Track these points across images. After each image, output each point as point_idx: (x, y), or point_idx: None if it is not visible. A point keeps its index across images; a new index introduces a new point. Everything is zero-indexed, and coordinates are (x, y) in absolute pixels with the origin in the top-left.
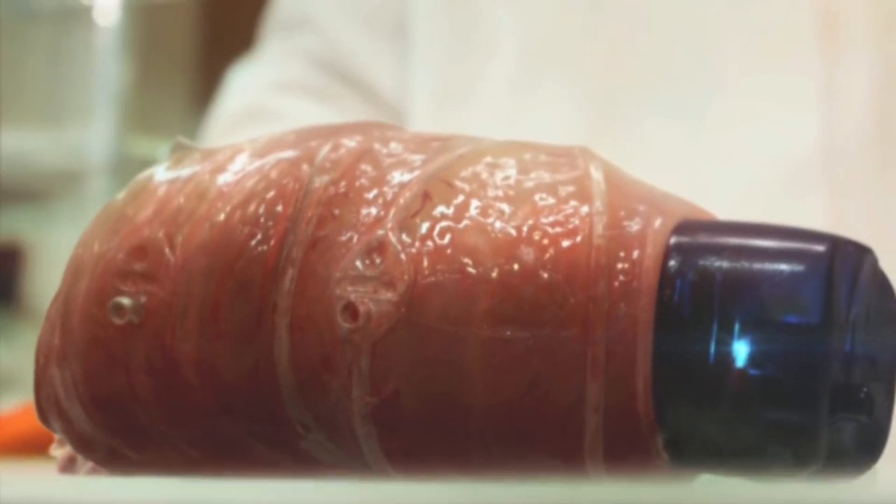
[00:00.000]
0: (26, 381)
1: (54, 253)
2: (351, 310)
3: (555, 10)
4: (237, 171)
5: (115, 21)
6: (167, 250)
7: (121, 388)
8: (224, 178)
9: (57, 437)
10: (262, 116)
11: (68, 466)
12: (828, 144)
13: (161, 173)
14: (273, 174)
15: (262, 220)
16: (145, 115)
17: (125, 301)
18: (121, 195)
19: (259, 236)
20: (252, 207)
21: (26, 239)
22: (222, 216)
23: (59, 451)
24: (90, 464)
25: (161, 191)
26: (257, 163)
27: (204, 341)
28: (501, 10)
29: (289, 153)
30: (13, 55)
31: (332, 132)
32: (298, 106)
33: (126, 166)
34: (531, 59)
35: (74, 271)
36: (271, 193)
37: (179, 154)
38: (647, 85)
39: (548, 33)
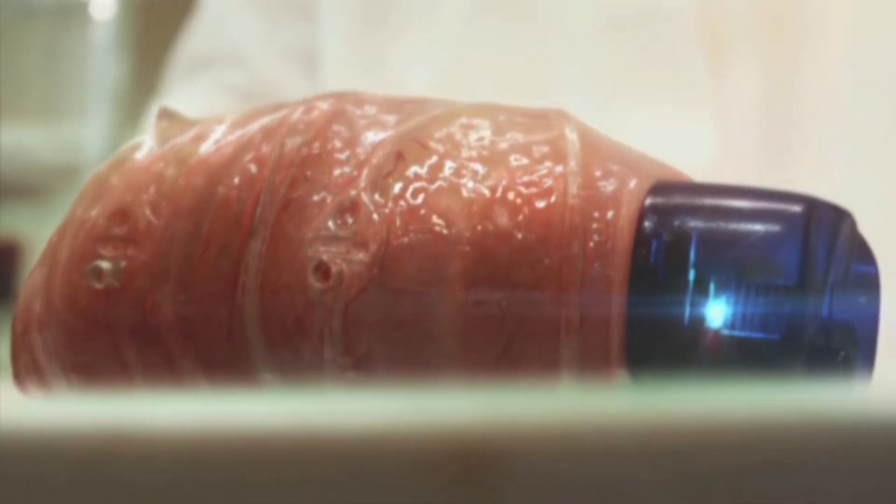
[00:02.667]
0: None
1: None
2: (322, 269)
3: (465, 51)
4: (218, 139)
5: (112, 16)
6: (148, 213)
7: (102, 352)
8: (205, 146)
9: None
10: (230, 62)
11: None
12: (723, 156)
13: (145, 143)
14: (251, 140)
15: (238, 183)
16: (142, 110)
17: (105, 265)
18: (105, 165)
19: (236, 199)
20: (230, 171)
21: (24, 235)
22: (202, 180)
23: None
24: None
25: (143, 160)
26: (238, 131)
27: (184, 304)
28: (411, 54)
29: (266, 119)
30: (9, 51)
31: (308, 98)
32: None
33: None
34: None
35: (57, 238)
36: (248, 156)
37: (164, 124)
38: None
39: (459, 76)
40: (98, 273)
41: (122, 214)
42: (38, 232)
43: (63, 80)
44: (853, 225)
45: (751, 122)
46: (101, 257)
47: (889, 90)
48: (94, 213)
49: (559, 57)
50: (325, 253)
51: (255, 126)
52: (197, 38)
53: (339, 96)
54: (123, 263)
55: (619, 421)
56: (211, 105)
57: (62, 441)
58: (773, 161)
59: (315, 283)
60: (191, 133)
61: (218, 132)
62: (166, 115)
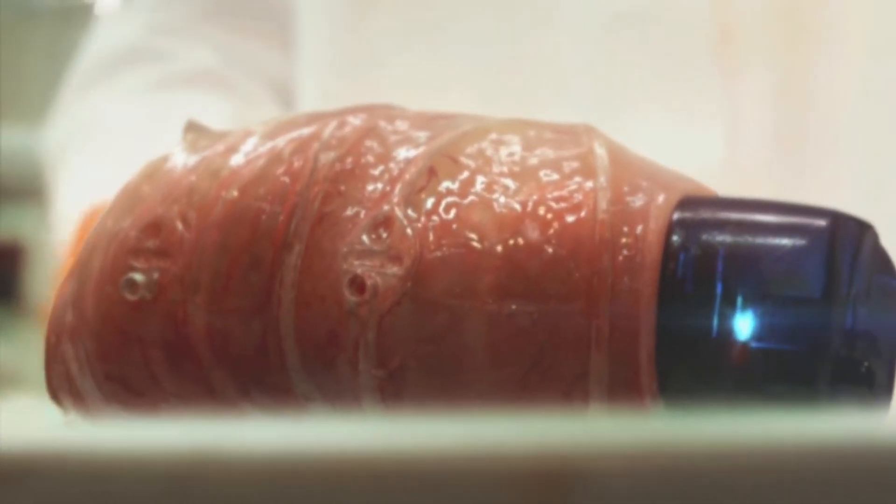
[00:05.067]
0: (28, 378)
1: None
2: (358, 283)
3: (469, 54)
4: (249, 152)
5: None
6: (180, 227)
7: (134, 363)
8: (236, 159)
9: (65, 422)
10: (142, 58)
11: None
12: (732, 161)
13: (175, 155)
14: (283, 153)
15: (271, 196)
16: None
17: (138, 277)
18: (136, 177)
19: (269, 212)
20: (263, 184)
21: (26, 236)
22: (235, 193)
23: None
24: None
25: (175, 171)
26: (269, 144)
27: (215, 316)
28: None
29: (299, 132)
30: (14, 52)
31: (339, 112)
32: (182, 46)
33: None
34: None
35: (89, 250)
36: (280, 170)
37: (192, 136)
38: (556, 109)
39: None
40: (131, 285)
41: (154, 227)
42: (40, 233)
43: (67, 81)
44: (875, 237)
45: (762, 126)
46: (134, 269)
47: None
48: (125, 224)
49: (566, 59)
50: (359, 266)
51: (285, 139)
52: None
53: (371, 111)
54: (156, 275)
55: (695, 444)
56: (179, 16)
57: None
58: (784, 166)
59: (350, 297)
60: (221, 145)
61: (248, 145)
62: (194, 127)
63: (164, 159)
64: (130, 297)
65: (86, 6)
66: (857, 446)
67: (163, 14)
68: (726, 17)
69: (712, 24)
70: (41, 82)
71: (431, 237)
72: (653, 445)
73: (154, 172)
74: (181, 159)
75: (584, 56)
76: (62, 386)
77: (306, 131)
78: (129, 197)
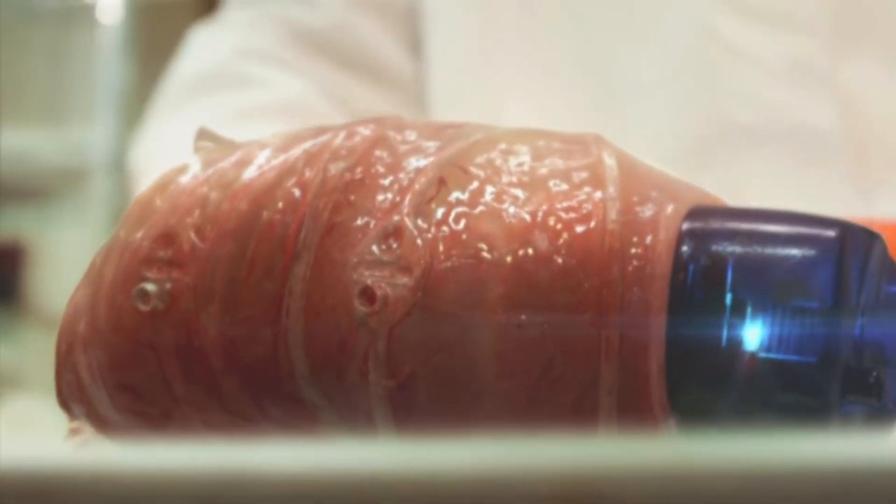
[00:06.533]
0: (29, 379)
1: (56, 252)
2: (368, 294)
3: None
4: (261, 165)
5: (118, 20)
6: (192, 237)
7: (146, 373)
8: (248, 170)
9: (70, 426)
10: (229, 83)
11: None
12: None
13: (187, 166)
14: (294, 164)
15: (282, 207)
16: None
17: (150, 287)
18: (149, 188)
19: (280, 223)
20: (274, 195)
21: (28, 238)
22: (245, 204)
23: (72, 440)
24: None
25: (187, 183)
26: (281, 156)
27: (228, 326)
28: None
29: (310, 144)
30: (15, 53)
31: (348, 123)
32: (271, 74)
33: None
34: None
35: (101, 259)
36: (291, 181)
37: (205, 147)
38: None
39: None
40: (144, 295)
41: (166, 237)
42: (42, 234)
43: (68, 82)
44: (884, 247)
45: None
46: (147, 279)
47: None
48: (138, 235)
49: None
50: (369, 277)
51: (297, 151)
52: None
53: (380, 122)
54: (169, 286)
55: (713, 467)
56: (263, 39)
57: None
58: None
59: (360, 307)
60: (234, 157)
61: (261, 157)
62: (206, 136)
63: (178, 171)
64: (143, 307)
65: (86, 7)
66: (875, 470)
67: (254, 37)
68: (863, 139)
69: (848, 145)
70: (41, 83)
71: (441, 247)
72: (671, 468)
73: (167, 184)
74: (193, 171)
75: (716, 168)
76: (73, 395)
77: (317, 143)
78: (143, 208)
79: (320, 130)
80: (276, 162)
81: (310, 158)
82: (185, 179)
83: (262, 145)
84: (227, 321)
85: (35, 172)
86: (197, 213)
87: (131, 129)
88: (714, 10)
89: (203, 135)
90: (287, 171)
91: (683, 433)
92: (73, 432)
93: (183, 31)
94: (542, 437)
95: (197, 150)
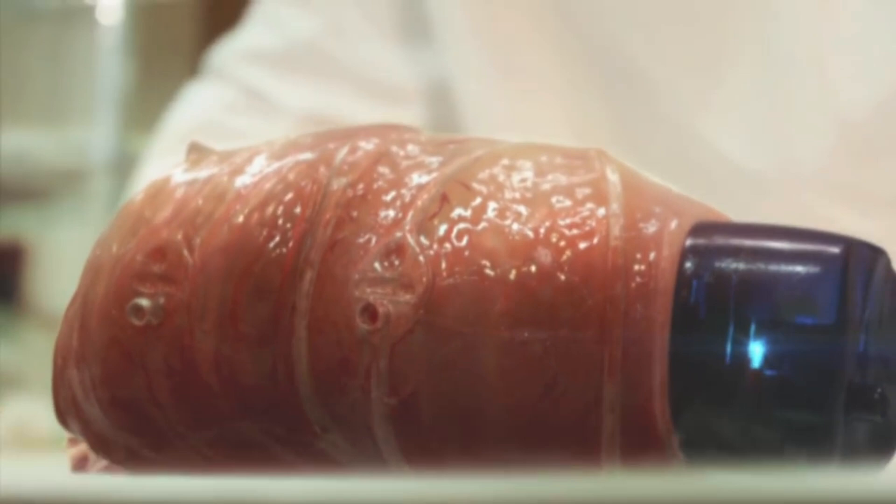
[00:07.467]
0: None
1: (56, 252)
2: (370, 311)
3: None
4: (255, 174)
5: (118, 20)
6: (185, 252)
7: (139, 389)
8: (242, 180)
9: (69, 435)
10: (217, 134)
11: (80, 465)
12: None
13: (178, 175)
14: (291, 176)
15: (280, 221)
16: (147, 114)
17: (144, 302)
18: (138, 196)
19: (277, 238)
20: (270, 209)
21: (28, 238)
22: (240, 218)
23: (72, 449)
24: (102, 463)
25: (179, 192)
26: (275, 165)
27: (222, 343)
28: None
29: (306, 155)
30: (15, 54)
31: (349, 134)
32: (255, 124)
33: (128, 165)
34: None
35: (93, 273)
36: (289, 195)
37: (196, 156)
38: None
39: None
40: (138, 310)
41: (159, 251)
42: (42, 234)
43: (68, 83)
44: (888, 263)
45: None
46: (140, 294)
47: None
48: (131, 248)
49: None
50: (371, 294)
51: (291, 161)
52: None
53: (383, 135)
54: (162, 301)
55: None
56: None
57: None
58: None
59: (362, 325)
60: (227, 166)
61: (255, 166)
62: (197, 148)
63: (167, 179)
64: (137, 322)
65: (86, 7)
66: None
67: (244, 91)
68: None
69: None
70: (41, 83)
71: (444, 264)
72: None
73: (157, 193)
74: (185, 180)
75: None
76: (69, 410)
77: (314, 154)
78: (133, 219)
79: (317, 140)
80: (269, 171)
81: (306, 170)
82: (176, 188)
83: (255, 152)
84: (222, 338)
85: (35, 172)
86: (189, 225)
87: (131, 129)
88: None
89: (194, 149)
90: (282, 183)
91: (686, 463)
92: (72, 442)
93: (183, 31)
94: (547, 470)
95: (187, 159)
